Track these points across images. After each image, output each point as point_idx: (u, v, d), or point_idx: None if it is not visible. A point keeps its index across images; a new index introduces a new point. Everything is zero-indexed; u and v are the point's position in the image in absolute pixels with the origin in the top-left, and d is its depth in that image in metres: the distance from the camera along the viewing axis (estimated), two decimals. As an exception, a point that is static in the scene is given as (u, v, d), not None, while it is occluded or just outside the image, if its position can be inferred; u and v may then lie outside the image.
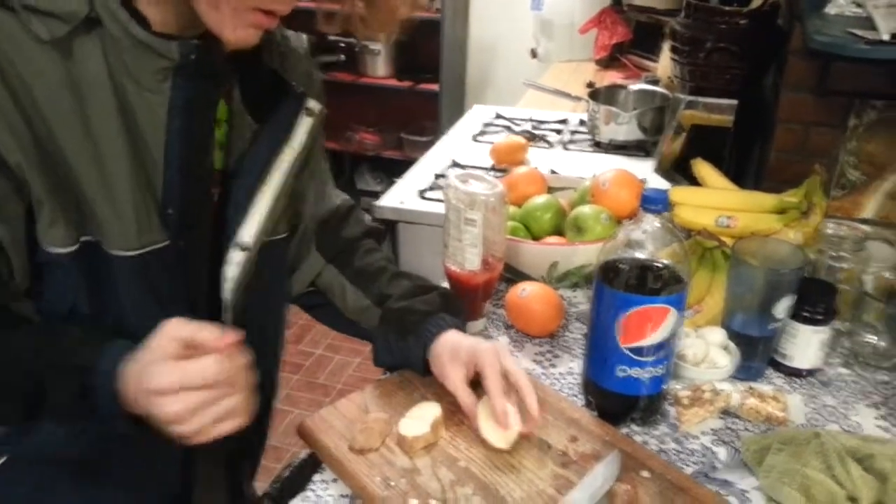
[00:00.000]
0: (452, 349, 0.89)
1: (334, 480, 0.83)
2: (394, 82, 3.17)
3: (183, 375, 0.66)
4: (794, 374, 1.02)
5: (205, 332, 0.69)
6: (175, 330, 0.69)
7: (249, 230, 0.84)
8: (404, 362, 0.95)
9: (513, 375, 0.84)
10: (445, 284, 1.16)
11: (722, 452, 0.88)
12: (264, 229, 0.85)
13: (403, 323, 0.94)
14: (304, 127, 0.86)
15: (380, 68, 3.17)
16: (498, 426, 0.83)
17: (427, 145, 2.19)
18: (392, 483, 0.79)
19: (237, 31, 0.73)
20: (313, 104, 0.87)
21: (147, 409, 0.68)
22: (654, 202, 0.85)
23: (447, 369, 0.88)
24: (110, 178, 0.73)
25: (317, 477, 0.84)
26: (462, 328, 0.94)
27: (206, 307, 0.83)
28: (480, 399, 0.86)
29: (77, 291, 0.76)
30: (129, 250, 0.75)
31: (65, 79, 0.70)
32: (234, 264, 0.84)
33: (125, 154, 0.74)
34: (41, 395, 0.72)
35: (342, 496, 0.82)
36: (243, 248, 0.84)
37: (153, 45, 0.72)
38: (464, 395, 0.86)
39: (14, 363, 0.74)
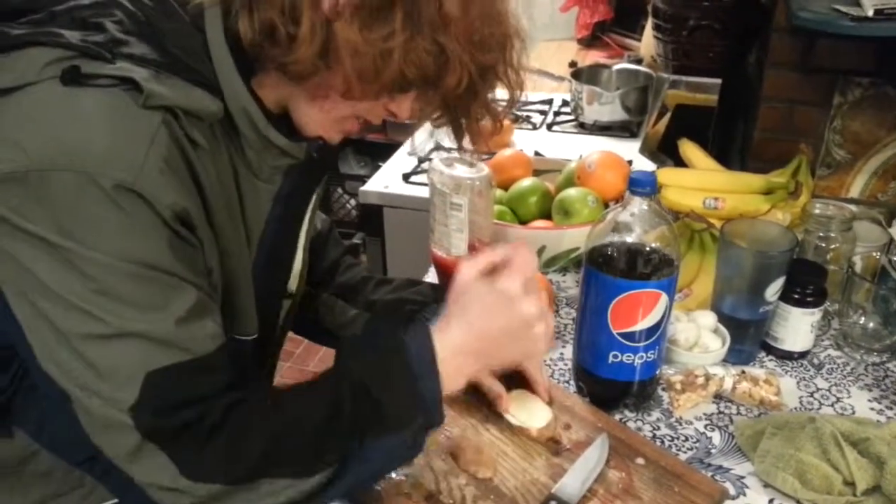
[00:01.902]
0: None
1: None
2: (374, 64, 3.12)
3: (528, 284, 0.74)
4: (785, 356, 1.01)
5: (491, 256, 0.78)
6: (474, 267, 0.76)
7: (294, 281, 0.87)
8: None
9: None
10: (432, 269, 1.15)
11: (716, 437, 0.87)
12: (304, 270, 0.88)
13: (395, 312, 0.93)
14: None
15: (359, 50, 3.12)
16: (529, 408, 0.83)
17: (411, 128, 2.16)
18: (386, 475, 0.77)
19: (331, 134, 0.73)
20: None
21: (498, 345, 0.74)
22: (641, 185, 0.83)
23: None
24: (246, 272, 0.75)
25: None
26: None
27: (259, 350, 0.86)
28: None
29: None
30: (250, 335, 0.79)
31: (218, 181, 0.69)
32: (284, 311, 0.89)
33: (244, 246, 0.75)
34: (358, 413, 0.68)
35: (333, 490, 0.80)
36: (290, 297, 0.88)
37: (285, 147, 0.71)
38: (492, 382, 0.86)
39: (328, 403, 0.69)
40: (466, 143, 0.83)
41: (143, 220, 0.61)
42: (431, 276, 1.18)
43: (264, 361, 0.90)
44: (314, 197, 0.85)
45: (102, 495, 0.79)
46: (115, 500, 0.79)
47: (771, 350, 1.02)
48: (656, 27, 1.76)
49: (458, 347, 0.73)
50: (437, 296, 0.95)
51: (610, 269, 0.84)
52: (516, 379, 0.87)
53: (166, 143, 0.62)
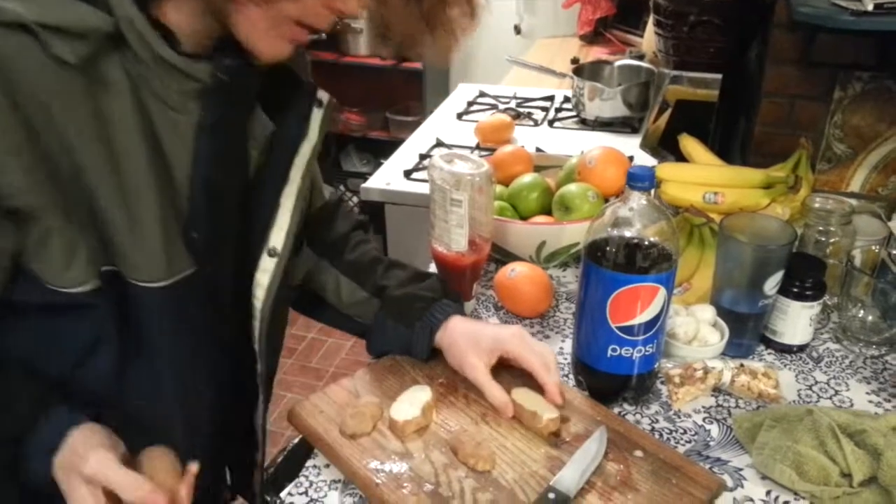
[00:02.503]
0: (472, 337, 0.88)
1: (327, 466, 0.83)
2: (377, 61, 3.13)
3: None
4: (784, 350, 1.02)
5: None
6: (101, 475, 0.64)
7: (279, 235, 0.82)
8: (406, 349, 0.94)
9: (546, 356, 0.87)
10: (433, 265, 1.16)
11: (714, 430, 0.88)
12: (292, 231, 0.83)
13: (407, 310, 0.93)
14: (316, 120, 0.83)
15: (362, 47, 3.13)
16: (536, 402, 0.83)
17: (413, 125, 2.17)
18: (385, 468, 0.78)
19: (273, 43, 0.69)
20: (322, 94, 0.83)
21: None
22: (640, 179, 0.84)
23: (469, 359, 0.87)
24: (138, 211, 0.69)
25: (309, 462, 0.83)
26: (463, 313, 0.94)
27: (234, 322, 0.82)
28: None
29: (102, 325, 0.72)
30: (159, 281, 0.73)
31: (91, 106, 0.65)
32: (267, 272, 0.82)
33: (152, 183, 0.69)
34: None
35: (335, 481, 0.81)
36: (274, 255, 0.82)
37: (180, 66, 0.68)
38: (494, 389, 0.85)
39: None
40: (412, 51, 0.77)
41: None
42: (433, 271, 1.18)
43: (244, 324, 0.85)
44: (307, 154, 0.81)
45: None
46: None
47: (770, 343, 1.02)
48: (657, 23, 1.75)
49: None
50: (446, 292, 0.96)
51: (608, 264, 0.85)
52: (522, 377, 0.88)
53: None
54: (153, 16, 0.66)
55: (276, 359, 0.96)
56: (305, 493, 0.80)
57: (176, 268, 0.74)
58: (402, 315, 0.93)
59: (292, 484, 0.80)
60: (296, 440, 0.98)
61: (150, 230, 0.70)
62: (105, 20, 0.63)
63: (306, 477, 0.81)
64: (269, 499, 1.00)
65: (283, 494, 0.81)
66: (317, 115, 0.83)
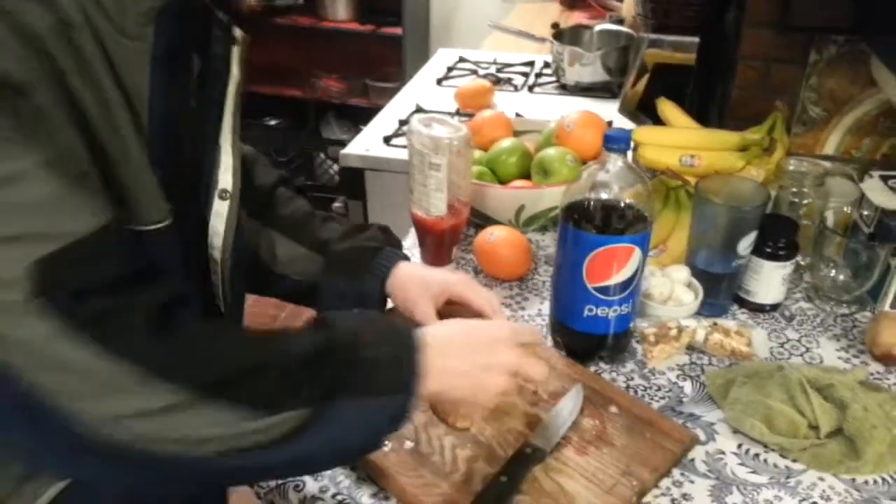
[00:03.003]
0: (422, 282, 0.89)
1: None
2: (355, 26, 3.08)
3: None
4: (757, 309, 1.04)
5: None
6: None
7: (226, 176, 0.78)
8: (358, 302, 0.92)
9: (492, 300, 0.88)
10: (412, 230, 1.16)
11: (688, 387, 0.90)
12: (238, 170, 0.79)
13: (355, 263, 0.92)
14: (235, 57, 0.78)
15: (340, 11, 3.08)
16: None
17: (392, 91, 2.16)
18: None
19: None
20: (237, 31, 0.78)
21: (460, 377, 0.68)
22: (616, 142, 0.85)
23: (420, 306, 0.88)
24: (128, 146, 0.65)
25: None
26: (407, 258, 0.95)
27: (197, 271, 0.79)
28: None
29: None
30: (163, 221, 0.69)
31: (64, 37, 0.59)
32: (221, 216, 0.79)
33: (129, 120, 0.65)
34: (351, 362, 0.63)
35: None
36: (226, 197, 0.79)
37: None
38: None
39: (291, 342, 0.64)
40: None
41: None
42: (412, 237, 1.19)
43: (205, 280, 0.81)
44: (233, 92, 0.78)
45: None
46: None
47: (743, 303, 1.04)
48: (637, -14, 1.76)
49: (436, 342, 0.68)
50: (390, 239, 0.96)
51: (585, 225, 0.86)
52: None
53: None
54: None
55: (241, 320, 0.91)
56: (288, 452, 0.81)
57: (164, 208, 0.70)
58: (350, 269, 0.92)
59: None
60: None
61: (140, 164, 0.67)
62: None
63: (288, 437, 0.82)
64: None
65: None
66: (235, 53, 0.78)
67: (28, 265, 0.53)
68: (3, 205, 0.54)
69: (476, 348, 0.70)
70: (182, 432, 0.57)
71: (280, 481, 0.78)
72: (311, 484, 0.77)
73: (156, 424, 0.56)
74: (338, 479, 0.78)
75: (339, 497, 0.76)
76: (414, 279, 0.90)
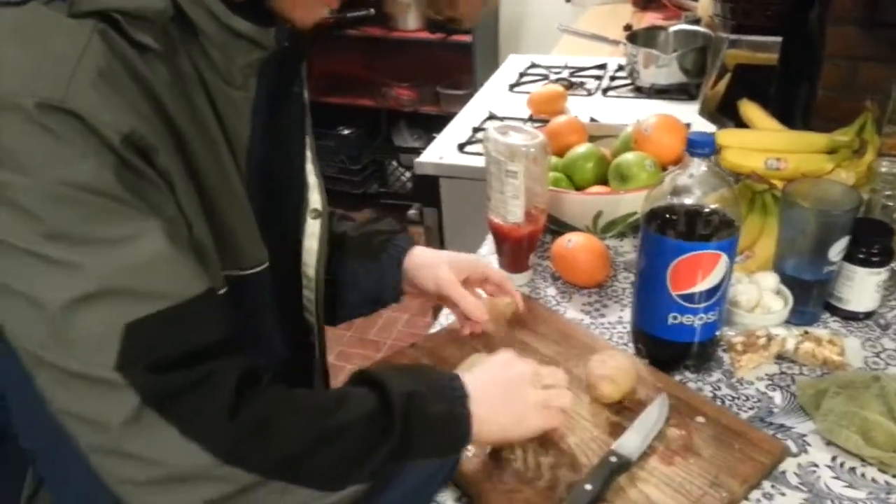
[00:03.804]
0: (437, 259, 0.93)
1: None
2: (425, 35, 3.11)
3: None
4: (850, 317, 1.00)
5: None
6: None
7: (314, 195, 0.81)
8: (377, 287, 0.93)
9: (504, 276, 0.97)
10: (489, 237, 1.17)
11: (777, 397, 0.87)
12: (323, 186, 0.82)
13: (369, 245, 0.94)
14: (304, 83, 0.81)
15: (410, 21, 3.12)
16: (608, 381, 0.83)
17: (464, 99, 2.17)
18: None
19: (311, 9, 0.66)
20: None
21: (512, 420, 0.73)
22: (700, 146, 0.83)
23: (442, 273, 0.90)
24: (234, 193, 0.67)
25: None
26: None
27: (289, 304, 0.82)
28: (593, 357, 0.86)
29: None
30: (262, 264, 0.72)
31: (180, 91, 0.61)
32: (314, 236, 0.82)
33: (233, 166, 0.67)
34: (408, 423, 0.64)
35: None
36: (317, 216, 0.82)
37: (252, 35, 0.64)
38: (468, 297, 0.90)
39: (353, 407, 0.65)
40: (454, 11, 0.75)
41: (80, 142, 0.53)
42: (489, 244, 1.20)
43: (296, 297, 0.84)
44: (307, 109, 0.80)
45: None
46: None
47: (835, 311, 1.01)
48: (714, -14, 1.72)
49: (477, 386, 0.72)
50: (403, 227, 0.99)
51: (668, 231, 0.85)
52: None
53: (102, 54, 0.54)
54: None
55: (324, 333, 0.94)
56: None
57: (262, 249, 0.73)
58: (367, 251, 0.93)
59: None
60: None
61: (247, 213, 0.69)
62: (164, 2, 0.59)
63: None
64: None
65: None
66: (304, 76, 0.81)
67: (121, 327, 0.54)
68: (116, 264, 0.55)
69: (509, 395, 0.73)
70: None
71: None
72: (395, 488, 0.78)
73: None
74: (422, 484, 0.78)
75: (424, 502, 0.77)
76: (430, 257, 0.93)
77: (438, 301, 0.95)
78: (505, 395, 0.73)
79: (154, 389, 0.55)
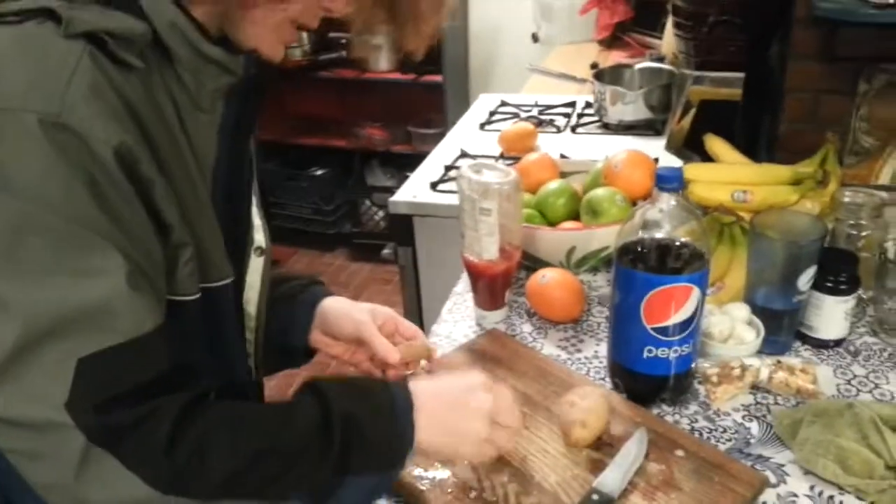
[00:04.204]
0: (353, 306, 0.93)
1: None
2: (397, 76, 3.16)
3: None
4: (821, 345, 1.01)
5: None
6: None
7: (259, 234, 0.83)
8: (284, 328, 0.92)
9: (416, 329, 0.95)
10: (464, 275, 1.17)
11: (754, 427, 0.88)
12: (265, 227, 0.83)
13: (287, 290, 0.94)
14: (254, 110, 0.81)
15: (382, 62, 3.16)
16: (578, 426, 0.82)
17: (435, 138, 2.19)
18: (428, 475, 0.79)
19: (274, 46, 0.69)
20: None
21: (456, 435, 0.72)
22: (668, 181, 0.85)
23: (356, 315, 0.91)
24: (202, 209, 0.69)
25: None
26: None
27: (238, 328, 0.81)
28: (562, 400, 0.85)
29: (194, 337, 0.71)
30: (228, 277, 0.73)
31: (153, 108, 0.64)
32: (257, 272, 0.82)
33: (201, 180, 0.69)
34: (347, 444, 0.66)
35: (379, 492, 0.82)
36: (261, 254, 0.83)
37: (222, 60, 0.68)
38: (381, 339, 0.90)
39: (297, 421, 0.67)
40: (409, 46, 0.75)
41: (74, 160, 0.56)
42: (464, 282, 1.20)
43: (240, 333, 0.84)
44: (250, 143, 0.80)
45: None
46: None
47: (806, 339, 1.02)
48: (677, 24, 1.77)
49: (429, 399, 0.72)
50: (313, 278, 0.99)
51: (641, 266, 0.86)
52: None
53: (91, 71, 0.57)
54: (188, 15, 0.65)
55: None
56: (352, 501, 0.81)
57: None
58: (283, 296, 0.93)
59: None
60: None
61: (215, 228, 0.71)
62: (144, 26, 0.62)
63: (352, 486, 0.82)
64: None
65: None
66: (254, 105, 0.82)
67: (74, 361, 0.56)
68: (73, 297, 0.57)
69: (455, 419, 0.72)
70: None
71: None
72: (375, 534, 0.77)
73: None
74: (402, 528, 0.78)
75: (405, 547, 0.76)
76: (345, 304, 0.94)
77: (355, 345, 0.94)
78: (450, 417, 0.72)
79: (99, 429, 0.57)
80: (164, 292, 0.65)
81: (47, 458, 0.58)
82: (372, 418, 0.68)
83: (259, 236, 0.83)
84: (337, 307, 0.94)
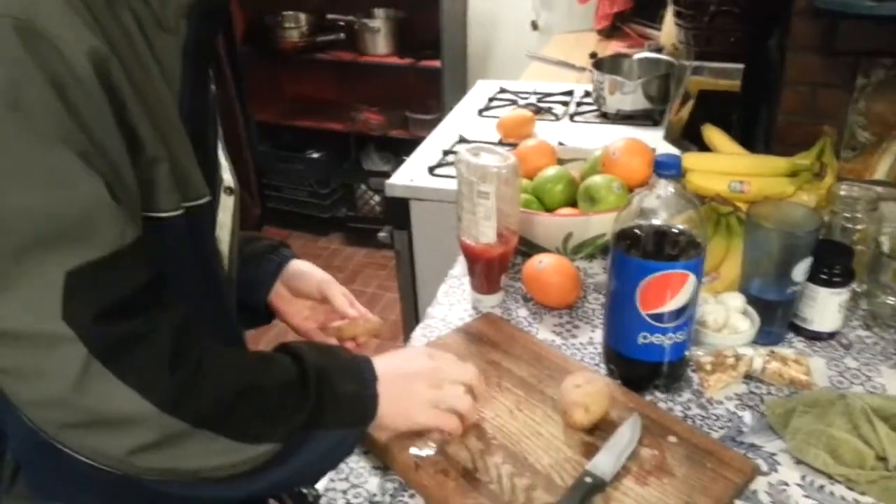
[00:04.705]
0: (333, 280, 1.02)
1: (366, 453, 0.84)
2: (395, 59, 3.14)
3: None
4: (814, 337, 1.02)
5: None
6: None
7: (227, 175, 0.83)
8: (250, 285, 0.96)
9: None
10: (461, 258, 1.17)
11: (747, 416, 0.89)
12: (234, 173, 0.84)
13: (254, 250, 0.99)
14: (212, 77, 0.81)
15: (380, 46, 3.14)
16: (581, 408, 0.82)
17: (432, 123, 2.19)
18: (422, 454, 0.79)
19: None
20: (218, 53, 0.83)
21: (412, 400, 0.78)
22: (667, 167, 0.85)
23: (332, 282, 1.01)
24: (175, 129, 0.69)
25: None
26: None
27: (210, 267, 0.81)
28: (567, 380, 0.86)
29: (179, 254, 0.71)
30: (204, 197, 0.73)
31: (119, 25, 0.63)
32: (227, 210, 0.82)
33: (172, 100, 0.69)
34: (321, 398, 0.71)
35: (375, 468, 0.82)
36: (231, 193, 0.83)
37: None
38: (344, 302, 1.00)
39: (272, 369, 0.71)
40: None
41: (47, 66, 0.55)
42: (460, 265, 1.20)
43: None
44: (213, 89, 0.81)
45: None
46: None
47: (799, 331, 1.03)
48: (677, 14, 1.76)
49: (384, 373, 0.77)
50: (282, 242, 1.04)
51: (637, 251, 0.86)
52: None
53: None
54: None
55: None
56: (346, 478, 0.81)
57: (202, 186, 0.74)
58: (251, 254, 0.98)
59: (333, 471, 0.82)
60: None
61: (187, 145, 0.70)
62: None
63: (346, 463, 0.83)
64: (304, 491, 1.02)
65: (320, 485, 0.83)
66: (210, 73, 0.81)
67: (62, 275, 0.56)
68: (52, 208, 0.56)
69: (400, 387, 0.78)
70: (176, 464, 0.63)
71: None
72: (368, 512, 0.78)
73: (156, 457, 0.62)
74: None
75: (397, 526, 0.76)
76: (312, 267, 1.02)
77: (314, 302, 1.01)
78: (395, 386, 0.77)
79: (99, 341, 0.58)
80: (139, 205, 0.65)
81: (46, 372, 0.57)
82: (342, 376, 0.74)
83: (227, 176, 0.83)
84: (303, 266, 1.02)
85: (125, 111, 0.62)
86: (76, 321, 0.57)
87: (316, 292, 1.00)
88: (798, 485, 0.79)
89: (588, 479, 0.74)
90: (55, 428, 0.60)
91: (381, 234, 3.27)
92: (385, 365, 0.78)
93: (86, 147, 0.58)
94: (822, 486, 0.79)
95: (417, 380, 0.79)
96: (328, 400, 0.71)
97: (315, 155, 3.40)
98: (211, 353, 0.66)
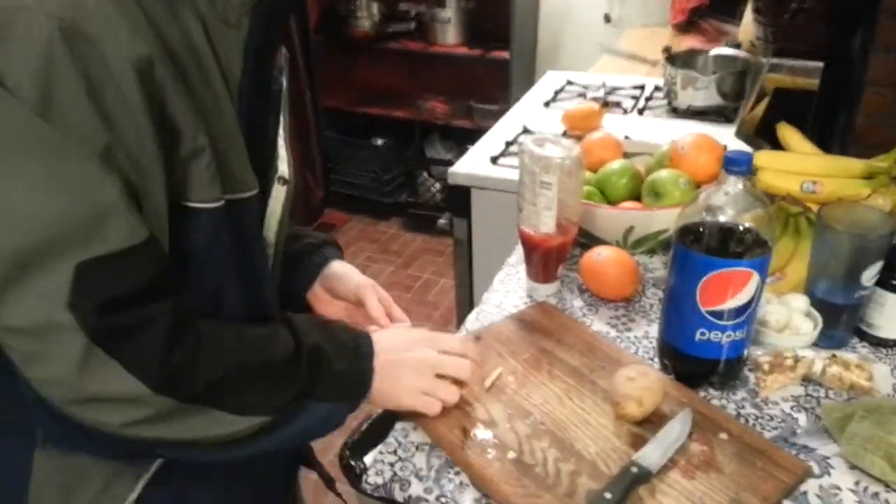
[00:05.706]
0: (375, 285, 1.01)
1: (414, 428, 0.86)
2: (464, 50, 3.15)
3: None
4: (880, 344, 0.99)
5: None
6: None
7: (283, 165, 0.84)
8: (287, 279, 0.95)
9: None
10: (518, 247, 1.17)
11: (802, 419, 0.87)
12: (292, 164, 0.85)
13: (300, 248, 0.99)
14: (285, 70, 0.83)
15: (450, 36, 3.15)
16: (633, 402, 0.82)
17: (496, 114, 2.19)
18: (470, 434, 0.81)
19: None
20: (284, 50, 0.83)
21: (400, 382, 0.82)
22: (737, 164, 0.83)
23: (370, 287, 0.99)
24: (230, 121, 0.71)
25: (398, 425, 0.87)
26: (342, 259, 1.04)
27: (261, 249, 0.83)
28: (619, 372, 0.86)
29: (218, 245, 0.72)
30: (252, 189, 0.75)
31: (177, 22, 0.65)
32: (278, 200, 0.84)
33: (226, 96, 0.70)
34: (313, 372, 0.75)
35: (422, 444, 0.84)
36: (284, 183, 0.84)
37: None
38: (380, 310, 0.98)
39: (274, 343, 0.75)
40: None
41: (82, 66, 0.57)
42: (517, 254, 1.20)
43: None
44: (283, 84, 0.82)
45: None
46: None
47: (864, 336, 1.00)
48: (757, 10, 1.71)
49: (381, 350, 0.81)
50: (329, 239, 1.04)
51: (700, 247, 0.85)
52: None
53: None
54: None
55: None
56: (394, 452, 0.83)
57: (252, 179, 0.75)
58: (295, 251, 0.98)
59: (382, 444, 0.84)
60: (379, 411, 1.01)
61: (238, 140, 0.72)
62: None
63: (395, 438, 0.85)
64: (353, 463, 1.04)
65: (368, 458, 0.85)
66: (284, 66, 0.83)
67: (72, 266, 0.60)
68: (69, 207, 0.59)
69: (391, 369, 0.81)
70: (168, 434, 0.68)
71: (387, 481, 0.80)
72: (415, 485, 0.79)
73: (149, 430, 0.67)
74: (441, 481, 0.79)
75: (443, 499, 0.77)
76: (352, 268, 1.02)
77: (350, 305, 1.01)
78: (390, 368, 0.81)
79: (99, 330, 0.62)
80: (164, 203, 0.66)
81: (52, 357, 0.62)
82: (338, 352, 0.77)
83: (283, 167, 0.84)
84: (343, 268, 1.02)
85: (166, 106, 0.64)
86: (81, 311, 0.61)
87: (353, 296, 1.00)
88: (851, 490, 0.77)
89: (634, 469, 0.74)
90: (59, 402, 0.65)
91: (441, 222, 3.31)
92: (385, 344, 0.82)
93: (109, 146, 0.60)
94: (876, 493, 0.77)
95: (409, 366, 0.82)
96: (320, 377, 0.75)
97: (380, 141, 3.45)
98: (208, 336, 0.70)
